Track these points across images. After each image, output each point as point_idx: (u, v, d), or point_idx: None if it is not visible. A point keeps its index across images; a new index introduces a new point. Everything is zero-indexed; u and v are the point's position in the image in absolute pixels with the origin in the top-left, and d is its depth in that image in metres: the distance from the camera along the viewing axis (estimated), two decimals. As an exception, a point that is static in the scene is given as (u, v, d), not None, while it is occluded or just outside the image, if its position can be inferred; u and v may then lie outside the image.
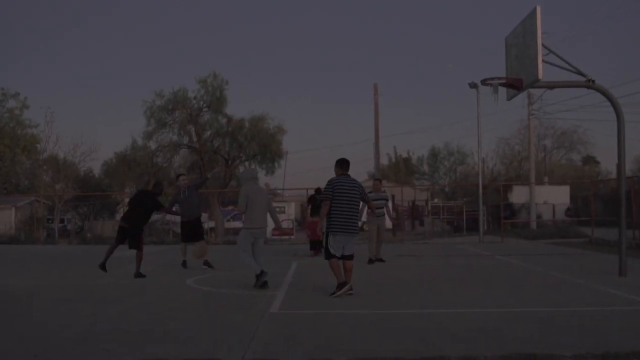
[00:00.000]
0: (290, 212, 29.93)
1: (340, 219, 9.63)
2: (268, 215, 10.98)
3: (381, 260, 15.28)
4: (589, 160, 65.67)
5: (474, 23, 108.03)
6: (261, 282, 10.46)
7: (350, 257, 9.78)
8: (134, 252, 12.54)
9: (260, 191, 11.08)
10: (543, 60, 11.38)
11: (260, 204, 10.71)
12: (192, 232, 13.95)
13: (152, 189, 13.33)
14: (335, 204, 9.64)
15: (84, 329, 7.38)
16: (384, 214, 15.68)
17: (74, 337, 6.93)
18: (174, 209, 14.40)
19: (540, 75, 11.37)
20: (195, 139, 44.64)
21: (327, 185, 9.86)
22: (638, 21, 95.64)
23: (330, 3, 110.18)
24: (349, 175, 9.92)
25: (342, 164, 9.96)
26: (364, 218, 15.32)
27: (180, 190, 14.15)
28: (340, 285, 9.61)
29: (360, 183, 10.07)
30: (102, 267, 12.75)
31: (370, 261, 15.15)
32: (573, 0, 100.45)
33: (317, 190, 17.36)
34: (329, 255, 9.74)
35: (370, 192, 15.54)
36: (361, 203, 10.14)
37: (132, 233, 12.57)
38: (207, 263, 13.77)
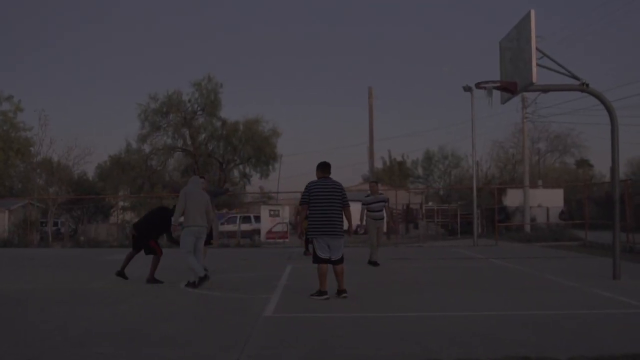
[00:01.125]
0: (284, 215, 29.90)
1: (319, 222, 9.63)
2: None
3: (376, 263, 15.26)
4: (583, 163, 65.86)
5: (468, 26, 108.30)
6: (200, 283, 10.81)
7: (338, 262, 9.74)
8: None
9: (199, 192, 11.24)
10: (537, 64, 11.42)
11: (197, 204, 10.98)
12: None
13: (172, 208, 12.66)
14: (314, 207, 9.66)
15: (79, 332, 7.37)
16: (382, 217, 15.64)
17: (69, 340, 6.91)
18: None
19: (535, 79, 11.40)
20: (189, 142, 44.70)
21: (304, 189, 9.89)
22: (635, 22, 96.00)
23: (325, 6, 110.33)
24: (329, 178, 9.90)
25: (322, 167, 9.95)
26: (363, 222, 15.42)
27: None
28: (321, 293, 9.66)
29: (341, 185, 9.96)
30: (120, 274, 12.29)
31: (373, 263, 15.22)
32: (572, 2, 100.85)
33: None
34: (317, 260, 9.74)
35: (367, 196, 15.71)
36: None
37: (142, 241, 12.32)
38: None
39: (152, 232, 12.35)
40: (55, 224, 34.50)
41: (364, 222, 15.49)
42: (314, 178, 9.94)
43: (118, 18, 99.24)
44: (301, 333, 7.23)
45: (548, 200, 36.95)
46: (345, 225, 9.84)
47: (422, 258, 17.99)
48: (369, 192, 16.05)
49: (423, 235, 31.44)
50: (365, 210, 15.36)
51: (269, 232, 29.39)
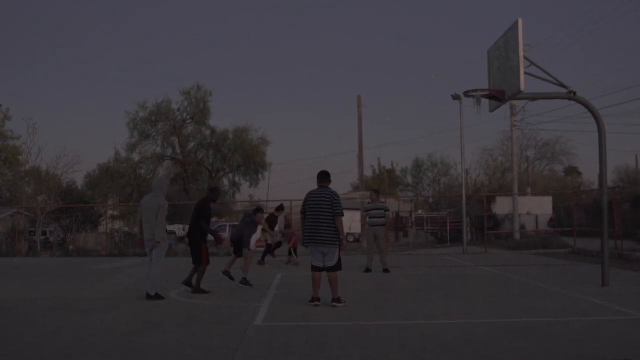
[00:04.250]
0: (274, 223, 29.82)
1: (307, 231, 9.85)
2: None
3: (386, 271, 15.36)
4: (571, 171, 66.12)
5: (457, 35, 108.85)
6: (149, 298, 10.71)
7: (331, 269, 9.81)
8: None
9: (149, 202, 10.84)
10: (525, 73, 11.49)
11: (145, 216, 10.77)
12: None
13: (206, 195, 12.36)
14: (307, 216, 9.89)
15: (68, 341, 7.33)
16: (382, 224, 15.72)
17: (58, 349, 6.87)
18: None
19: (522, 88, 11.46)
20: (178, 150, 44.61)
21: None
22: (623, 31, 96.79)
23: (314, 15, 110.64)
24: (325, 187, 9.97)
25: (319, 176, 10.09)
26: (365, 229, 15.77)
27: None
28: (312, 299, 9.86)
29: (334, 194, 9.89)
30: (198, 290, 11.64)
31: (367, 270, 15.37)
32: (560, 10, 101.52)
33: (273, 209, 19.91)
34: (312, 267, 9.96)
35: (368, 204, 16.11)
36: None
37: (191, 247, 11.94)
38: (226, 273, 13.56)
39: (198, 230, 11.71)
40: (44, 233, 34.28)
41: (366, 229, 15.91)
42: (303, 186, 10.10)
43: (107, 27, 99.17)
44: (291, 342, 7.21)
45: (537, 208, 37.08)
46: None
47: (412, 266, 17.99)
48: (369, 200, 16.44)
49: (413, 244, 31.47)
50: (367, 218, 15.82)
51: (259, 240, 29.30)
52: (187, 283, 11.87)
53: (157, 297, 10.70)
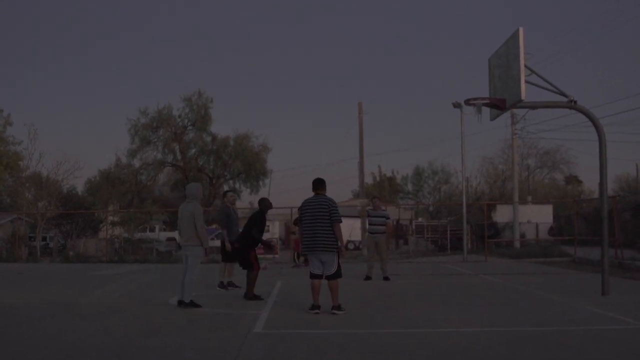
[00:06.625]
0: (274, 230, 29.91)
1: (305, 239, 9.89)
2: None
3: (387, 278, 15.32)
4: (572, 179, 66.14)
5: (458, 43, 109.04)
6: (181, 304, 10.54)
7: (330, 277, 9.79)
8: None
9: (183, 209, 10.80)
10: (526, 81, 11.50)
11: (180, 223, 10.74)
12: (235, 252, 13.08)
13: (259, 206, 12.53)
14: (303, 224, 9.93)
15: (68, 345, 7.34)
16: (382, 232, 15.69)
17: (57, 353, 6.88)
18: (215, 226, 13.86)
19: (523, 96, 11.47)
20: (179, 157, 44.65)
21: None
22: (623, 38, 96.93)
23: (316, 22, 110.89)
24: (321, 195, 9.98)
25: (314, 184, 10.11)
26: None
27: (230, 207, 13.74)
28: (312, 307, 9.83)
29: (331, 201, 9.90)
30: (254, 297, 11.64)
31: (367, 278, 15.41)
32: (561, 18, 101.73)
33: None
34: (310, 275, 9.95)
35: (371, 209, 16.20)
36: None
37: (241, 253, 12.17)
38: (231, 284, 13.55)
39: (249, 238, 12.01)
40: (44, 238, 34.24)
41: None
42: (304, 193, 10.12)
43: (109, 32, 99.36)
44: (291, 349, 7.21)
45: (537, 216, 37.05)
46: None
47: (412, 274, 17.97)
48: (372, 207, 16.44)
49: (413, 251, 31.42)
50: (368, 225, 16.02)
51: (259, 247, 29.37)
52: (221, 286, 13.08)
53: (192, 304, 10.44)
